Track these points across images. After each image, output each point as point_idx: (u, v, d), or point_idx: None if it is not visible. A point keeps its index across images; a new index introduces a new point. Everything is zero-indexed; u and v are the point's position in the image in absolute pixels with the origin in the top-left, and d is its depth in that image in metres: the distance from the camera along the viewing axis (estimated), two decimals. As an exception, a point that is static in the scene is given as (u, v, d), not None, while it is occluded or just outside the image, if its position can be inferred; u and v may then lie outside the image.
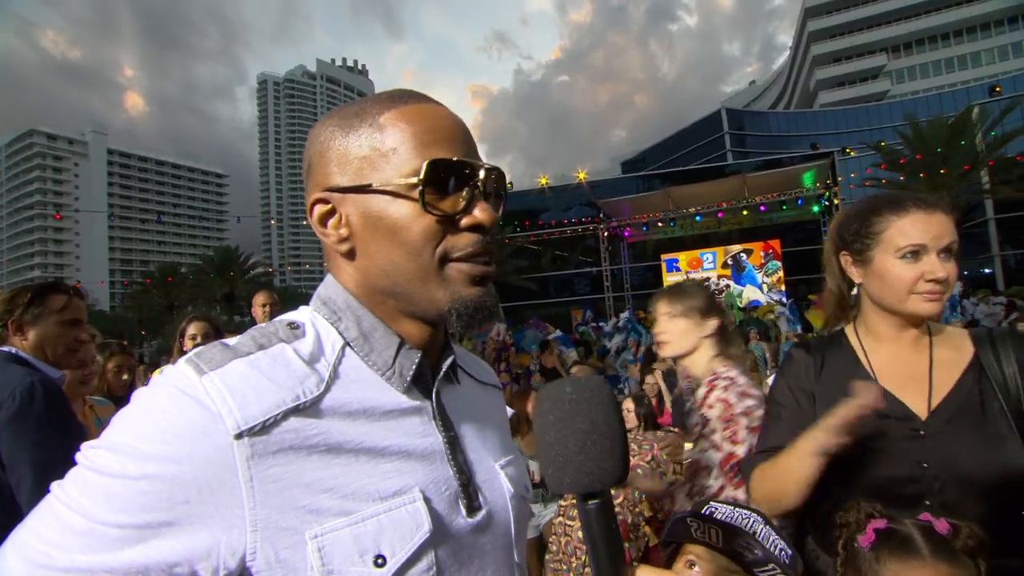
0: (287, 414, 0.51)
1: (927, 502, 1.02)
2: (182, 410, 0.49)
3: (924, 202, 1.11)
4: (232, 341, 0.56)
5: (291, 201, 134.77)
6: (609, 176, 37.36)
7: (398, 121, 0.58)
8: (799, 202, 17.69)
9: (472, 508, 0.60)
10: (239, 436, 0.48)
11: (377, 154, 0.57)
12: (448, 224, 0.57)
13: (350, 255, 0.60)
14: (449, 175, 0.57)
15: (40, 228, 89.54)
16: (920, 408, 1.08)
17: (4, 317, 1.71)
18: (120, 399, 2.69)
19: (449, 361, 0.65)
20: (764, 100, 66.71)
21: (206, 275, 39.29)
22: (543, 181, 27.01)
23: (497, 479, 0.66)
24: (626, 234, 21.55)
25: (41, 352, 1.72)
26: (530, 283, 24.60)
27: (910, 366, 1.13)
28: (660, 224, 19.64)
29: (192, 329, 2.84)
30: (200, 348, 0.54)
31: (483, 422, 0.70)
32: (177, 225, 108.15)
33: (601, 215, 21.11)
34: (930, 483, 1.03)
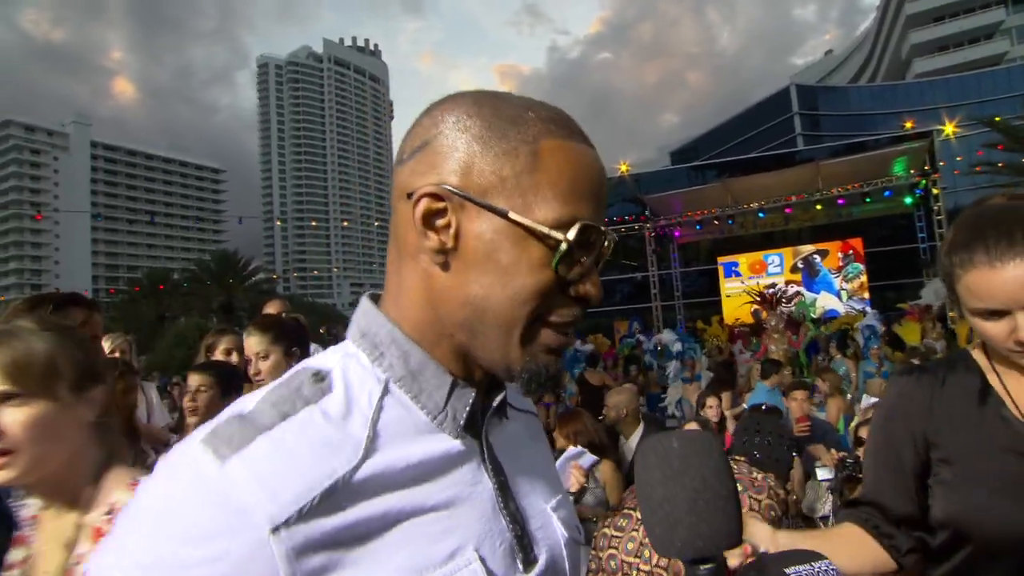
0: (325, 495, 0.51)
1: None
2: (209, 507, 0.48)
3: (998, 249, 0.98)
4: (248, 406, 0.55)
5: (296, 199, 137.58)
6: (656, 168, 37.14)
7: (559, 156, 0.58)
8: (886, 193, 17.28)
9: (528, 561, 0.62)
10: (275, 531, 0.48)
11: (524, 180, 0.57)
12: (561, 286, 0.59)
13: (442, 268, 0.59)
14: (587, 241, 0.59)
15: (16, 230, 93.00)
16: None
17: None
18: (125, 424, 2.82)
19: (501, 397, 0.67)
20: (843, 73, 65.34)
21: (201, 283, 40.35)
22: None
23: (551, 524, 0.68)
24: (676, 234, 21.36)
25: None
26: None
27: None
28: (716, 222, 19.43)
29: (225, 343, 2.94)
30: (214, 425, 0.53)
31: (531, 459, 0.72)
32: (169, 227, 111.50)
33: (647, 212, 20.97)
34: None
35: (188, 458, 0.51)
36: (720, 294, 20.56)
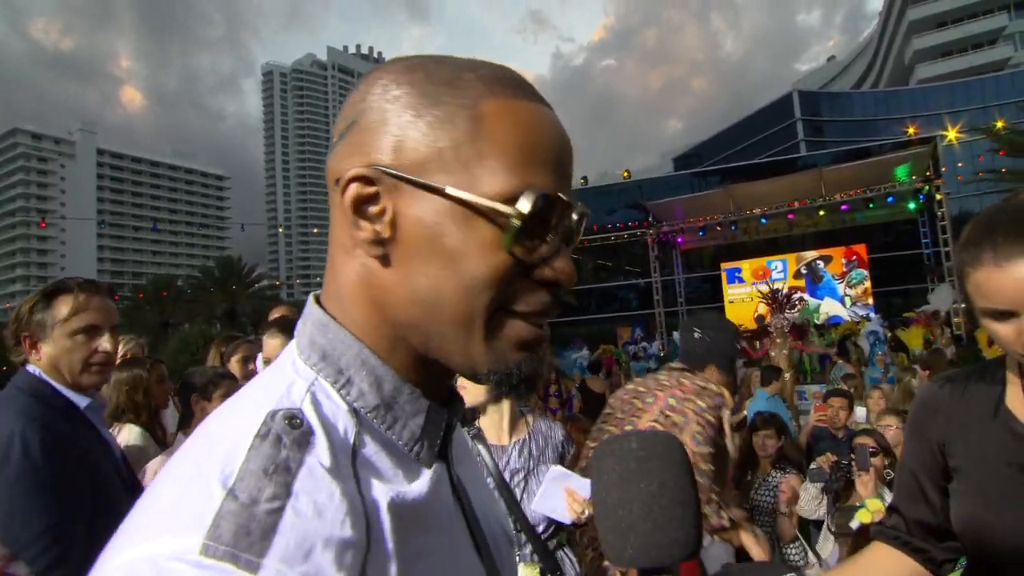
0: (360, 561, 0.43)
1: None
2: None
3: (1005, 248, 0.95)
4: (228, 476, 0.41)
5: (300, 206, 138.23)
6: (659, 174, 37.17)
7: (504, 118, 0.50)
8: (889, 199, 17.23)
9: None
10: None
11: (464, 151, 0.49)
12: (522, 270, 0.50)
13: (381, 261, 0.51)
14: (548, 215, 0.50)
15: (23, 237, 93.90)
16: None
17: (16, 330, 1.61)
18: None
19: (463, 410, 0.61)
20: (846, 79, 65.38)
21: (205, 289, 40.55)
22: (582, 181, 27.07)
23: (507, 544, 0.65)
24: (679, 240, 21.33)
25: (58, 373, 1.59)
26: (569, 297, 24.46)
27: None
28: (719, 228, 19.38)
29: (242, 351, 2.91)
30: (216, 524, 0.38)
31: (477, 472, 0.68)
32: (173, 233, 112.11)
33: (650, 218, 20.95)
34: None
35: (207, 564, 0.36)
36: (724, 300, 20.47)
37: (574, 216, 0.53)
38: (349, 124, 0.52)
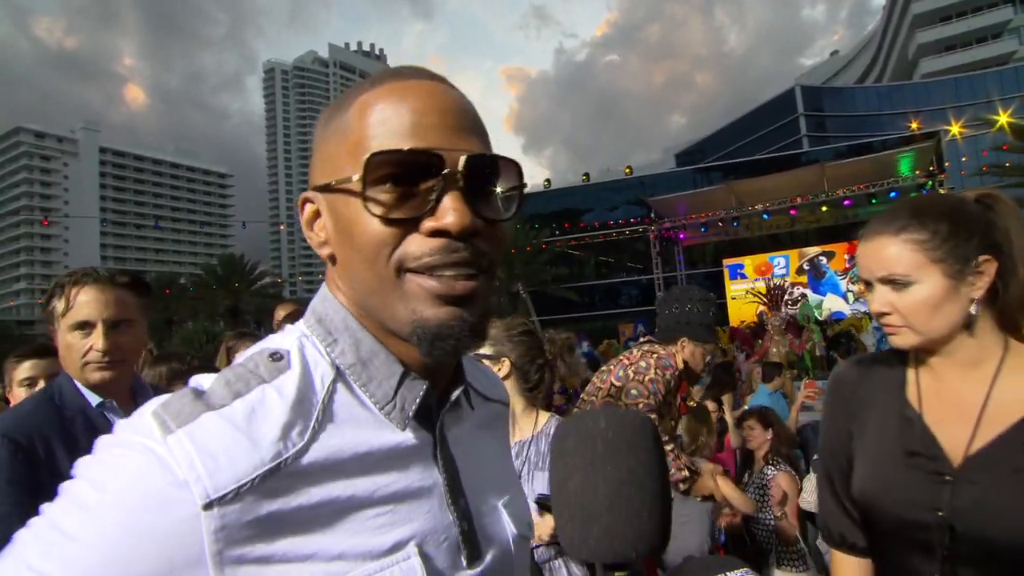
0: (266, 476, 0.50)
1: (942, 553, 1.05)
2: (143, 476, 0.48)
3: (869, 226, 1.19)
4: (205, 384, 0.55)
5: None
6: (662, 170, 37.05)
7: (367, 105, 0.57)
8: (892, 194, 17.12)
9: (473, 557, 0.61)
10: (208, 507, 0.48)
11: (341, 148, 0.58)
12: (406, 228, 0.55)
13: (332, 260, 0.62)
14: (402, 169, 0.54)
15: (27, 235, 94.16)
16: (955, 450, 1.07)
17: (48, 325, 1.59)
18: None
19: (459, 391, 0.65)
20: (849, 73, 65.01)
21: (208, 287, 40.55)
22: (584, 177, 26.98)
23: (500, 520, 0.66)
24: (681, 236, 21.25)
25: (71, 370, 1.56)
26: (571, 293, 24.51)
27: (960, 398, 1.10)
28: (721, 224, 19.31)
29: (247, 344, 2.91)
30: (167, 398, 0.53)
31: (488, 452, 0.71)
32: (176, 231, 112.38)
33: (652, 215, 20.89)
34: (942, 534, 1.04)
35: (135, 428, 0.51)
36: (726, 296, 20.39)
37: (460, 162, 0.54)
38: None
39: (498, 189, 0.59)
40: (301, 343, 0.60)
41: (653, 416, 2.22)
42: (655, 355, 2.40)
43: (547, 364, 1.99)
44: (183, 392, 0.54)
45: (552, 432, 1.95)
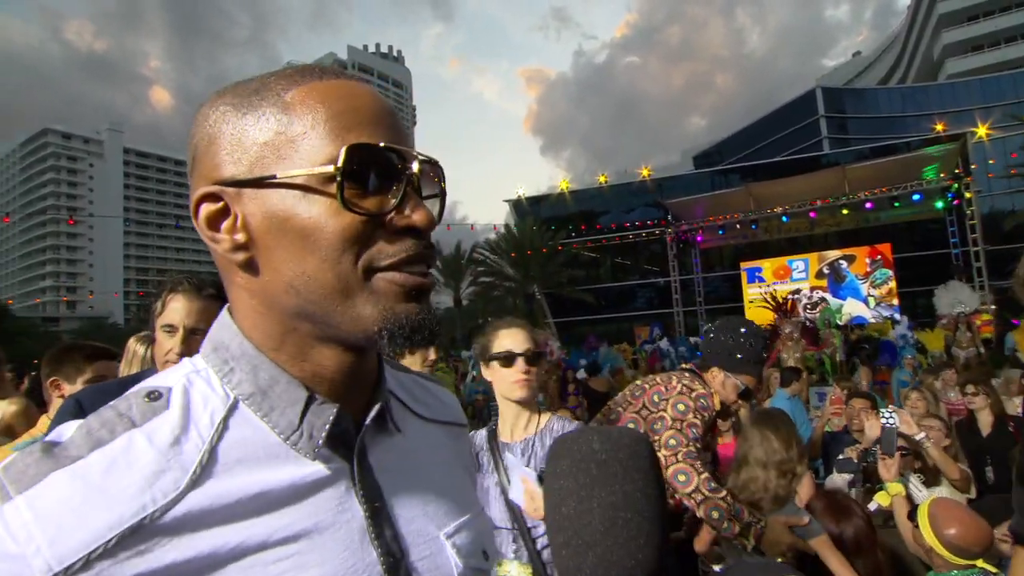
0: (125, 536, 0.44)
1: None
2: None
3: None
4: (66, 434, 0.49)
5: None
6: (679, 172, 36.80)
7: (309, 99, 0.54)
8: (915, 197, 16.81)
9: None
10: None
11: (283, 139, 0.53)
12: (374, 226, 0.53)
13: (249, 267, 0.55)
14: (374, 165, 0.53)
15: (53, 234, 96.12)
16: None
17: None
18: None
19: (375, 411, 0.60)
20: (872, 75, 64.07)
21: (225, 285, 41.13)
22: (602, 179, 26.87)
23: (441, 553, 0.61)
24: (698, 239, 21.08)
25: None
26: (587, 295, 24.40)
27: None
28: (739, 227, 19.12)
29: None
30: (13, 457, 0.47)
31: (428, 479, 0.65)
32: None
33: (669, 217, 20.75)
34: None
35: None
36: (743, 300, 20.17)
37: (415, 164, 0.54)
38: (191, 160, 0.57)
39: (435, 192, 0.59)
40: (188, 379, 0.55)
41: (695, 463, 2.12)
42: (693, 393, 2.31)
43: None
44: (33, 448, 0.47)
45: (559, 428, 1.95)
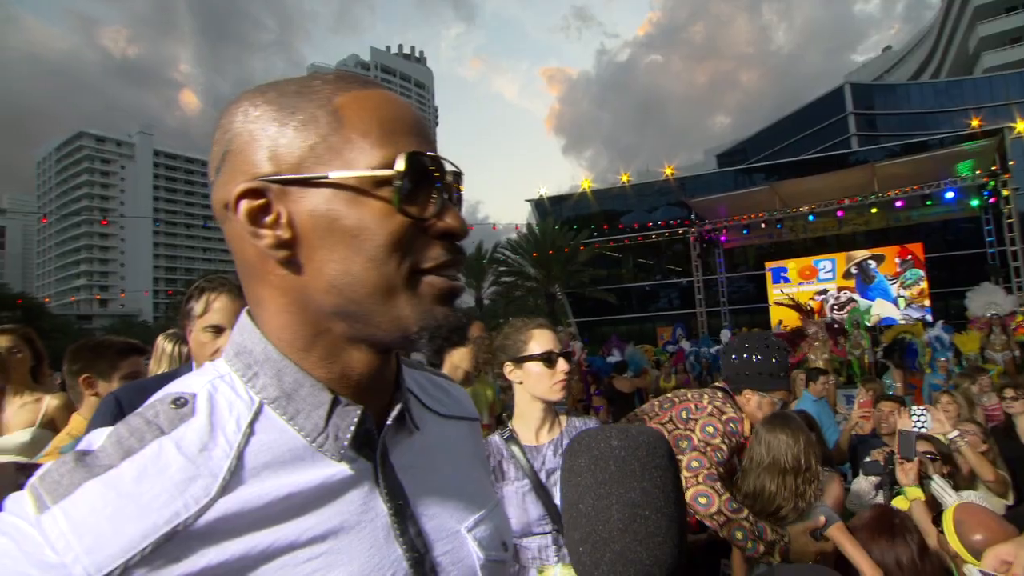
0: (160, 543, 0.46)
1: None
2: (14, 566, 0.44)
3: None
4: (96, 443, 0.51)
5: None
6: (703, 171, 36.42)
7: (358, 106, 0.55)
8: (948, 195, 16.39)
9: None
10: None
11: (333, 141, 0.54)
12: (417, 230, 0.55)
13: (289, 264, 0.55)
14: (423, 173, 0.55)
15: (87, 234, 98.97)
16: None
17: (180, 320, 1.85)
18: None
19: (397, 411, 0.61)
20: (903, 70, 62.64)
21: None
22: (624, 178, 26.70)
23: (463, 547, 0.63)
24: (722, 238, 20.83)
25: (199, 364, 1.90)
26: (609, 295, 24.27)
27: None
28: (764, 226, 18.83)
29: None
30: (48, 466, 0.49)
31: (447, 475, 0.67)
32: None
33: (692, 216, 20.54)
34: None
35: (10, 507, 0.47)
36: (768, 300, 19.88)
37: (449, 172, 0.57)
38: (222, 156, 0.57)
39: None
40: (213, 384, 0.56)
41: (716, 484, 2.10)
42: (724, 416, 2.27)
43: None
44: (66, 458, 0.49)
45: (580, 425, 1.94)
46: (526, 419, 1.91)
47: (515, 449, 1.85)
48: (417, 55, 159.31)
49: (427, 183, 0.55)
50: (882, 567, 1.95)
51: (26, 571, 0.44)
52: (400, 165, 0.53)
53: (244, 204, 0.54)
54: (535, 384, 1.86)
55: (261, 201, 0.54)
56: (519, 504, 1.76)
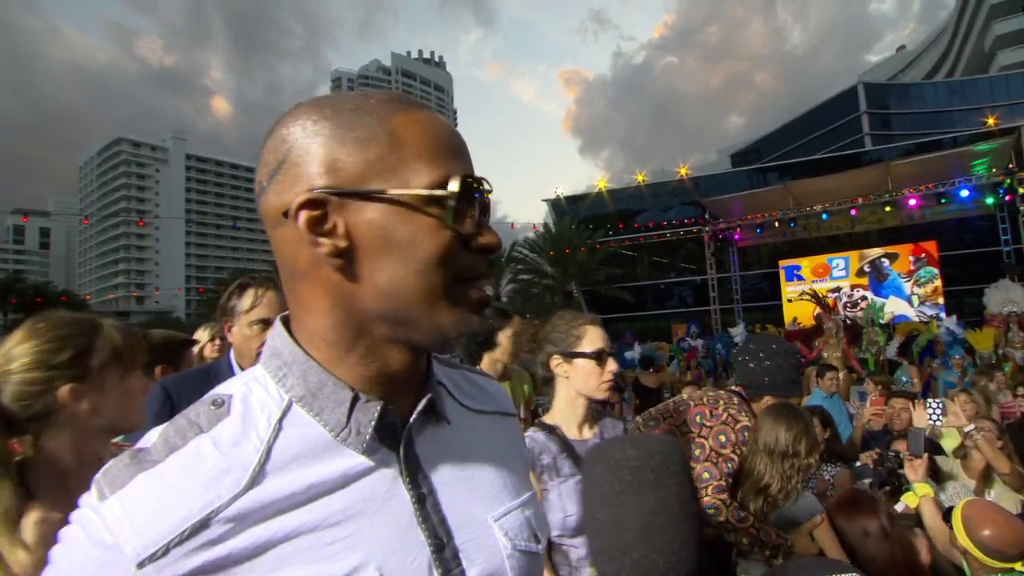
0: (197, 528, 0.52)
1: None
2: (86, 546, 0.52)
3: None
4: (149, 441, 0.57)
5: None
6: (717, 170, 36.02)
7: (413, 127, 0.58)
8: (962, 193, 16.02)
9: (449, 574, 0.60)
10: (140, 565, 0.50)
11: (391, 159, 0.57)
12: (460, 245, 0.58)
13: (343, 271, 0.57)
14: (471, 193, 0.58)
15: (125, 235, 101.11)
16: None
17: (220, 315, 1.88)
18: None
19: (423, 404, 0.64)
20: (917, 69, 61.34)
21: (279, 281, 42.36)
22: (639, 178, 26.53)
23: (489, 536, 0.64)
24: (736, 237, 20.60)
25: (242, 357, 1.87)
26: (624, 293, 24.14)
27: None
28: (777, 225, 18.57)
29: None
30: (110, 464, 0.55)
31: (476, 466, 0.68)
32: (251, 231, 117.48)
33: (706, 215, 20.34)
34: None
35: (85, 498, 0.54)
36: (782, 298, 19.61)
37: (485, 187, 0.61)
38: (277, 165, 0.59)
39: None
40: (248, 386, 0.61)
41: (724, 497, 2.07)
42: (738, 425, 2.22)
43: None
44: (123, 456, 0.56)
45: (611, 426, 1.93)
46: (568, 414, 1.88)
47: (564, 445, 1.82)
48: (437, 60, 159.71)
49: (471, 202, 0.59)
50: (850, 537, 1.98)
51: (89, 551, 0.51)
52: (454, 186, 0.56)
53: (305, 213, 0.55)
54: (583, 381, 1.83)
55: (319, 212, 0.56)
56: (579, 500, 1.76)
